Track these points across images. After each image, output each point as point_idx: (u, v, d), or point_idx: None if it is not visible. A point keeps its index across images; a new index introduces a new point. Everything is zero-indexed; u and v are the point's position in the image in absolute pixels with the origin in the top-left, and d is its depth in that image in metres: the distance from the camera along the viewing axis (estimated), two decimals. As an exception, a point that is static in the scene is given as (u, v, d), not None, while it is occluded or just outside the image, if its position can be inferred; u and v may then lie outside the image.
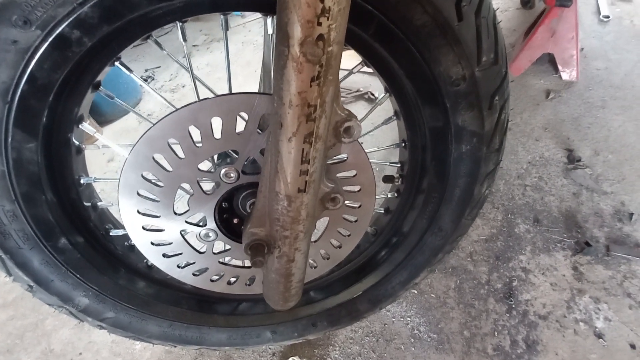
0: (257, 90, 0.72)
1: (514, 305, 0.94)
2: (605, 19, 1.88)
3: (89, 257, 0.61)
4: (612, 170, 1.18)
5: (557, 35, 1.49)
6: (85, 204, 0.60)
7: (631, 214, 1.06)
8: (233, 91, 0.51)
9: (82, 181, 0.58)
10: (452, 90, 0.50)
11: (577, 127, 1.35)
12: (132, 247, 0.70)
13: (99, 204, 0.63)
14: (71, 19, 0.38)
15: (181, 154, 0.49)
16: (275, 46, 0.36)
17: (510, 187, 1.19)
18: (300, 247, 0.51)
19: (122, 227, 0.67)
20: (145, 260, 0.71)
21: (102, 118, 1.92)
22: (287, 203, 0.45)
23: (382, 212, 0.76)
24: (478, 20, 0.45)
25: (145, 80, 2.33)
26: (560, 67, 1.56)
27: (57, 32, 0.39)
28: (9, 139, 0.44)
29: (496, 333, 0.90)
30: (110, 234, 0.65)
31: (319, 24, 0.32)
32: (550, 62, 1.60)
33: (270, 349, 0.92)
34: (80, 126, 0.53)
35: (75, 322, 1.04)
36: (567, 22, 1.46)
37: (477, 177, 0.61)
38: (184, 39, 0.49)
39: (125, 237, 0.68)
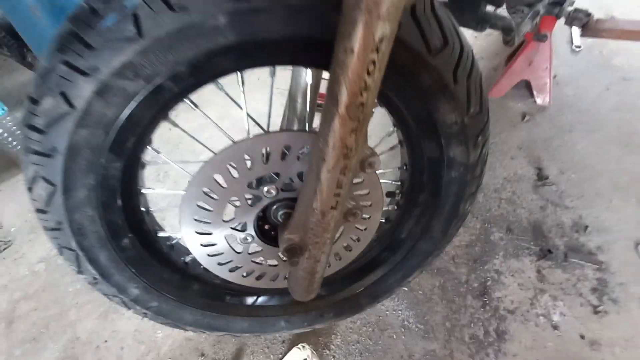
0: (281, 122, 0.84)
1: (487, 302, 1.11)
2: (577, 49, 2.10)
3: (142, 255, 0.72)
4: (574, 188, 1.38)
5: (533, 64, 1.69)
6: (142, 209, 0.71)
7: (586, 227, 1.25)
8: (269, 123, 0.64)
9: (142, 190, 0.69)
10: (447, 131, 0.65)
11: (547, 147, 1.54)
12: (172, 247, 0.82)
13: (150, 209, 0.75)
14: (169, 74, 0.50)
15: (235, 175, 0.61)
16: (325, 104, 0.49)
17: (488, 199, 1.37)
18: (325, 251, 0.64)
19: (164, 230, 0.79)
20: (182, 258, 0.83)
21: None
22: (321, 217, 0.58)
23: (383, 221, 0.91)
24: (468, 83, 0.60)
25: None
26: (535, 93, 1.75)
27: (157, 83, 0.50)
28: (102, 160, 0.56)
29: (472, 324, 1.07)
30: (158, 235, 0.76)
31: (361, 95, 0.46)
32: (527, 87, 1.79)
33: (281, 336, 1.05)
34: (149, 147, 0.64)
35: (99, 313, 1.14)
36: (543, 54, 1.66)
37: (462, 197, 0.76)
38: (243, 83, 0.61)
39: (169, 238, 0.80)
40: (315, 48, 0.52)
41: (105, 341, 1.08)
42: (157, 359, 1.03)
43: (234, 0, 0.44)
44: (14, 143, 1.74)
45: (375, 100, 0.51)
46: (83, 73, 0.46)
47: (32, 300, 1.21)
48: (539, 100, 1.75)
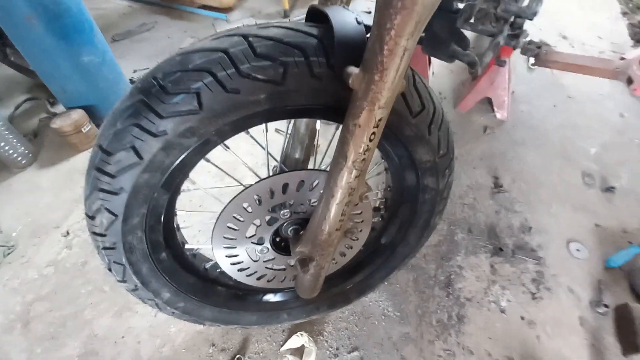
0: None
1: (451, 292, 1.35)
2: (533, 67, 2.38)
3: (173, 264, 0.87)
4: (522, 195, 1.64)
5: (495, 84, 1.93)
6: (175, 226, 0.85)
7: (530, 228, 1.52)
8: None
9: (177, 212, 0.83)
10: (422, 167, 0.84)
11: (503, 159, 1.80)
12: (195, 256, 0.96)
13: (181, 226, 0.89)
14: (216, 131, 0.65)
15: (261, 203, 0.77)
16: (334, 156, 0.66)
17: (453, 205, 1.61)
18: (329, 260, 0.82)
19: (188, 242, 0.93)
20: (203, 265, 0.98)
21: (100, 121, 2.02)
22: (328, 236, 0.76)
23: (369, 230, 1.10)
24: (439, 133, 0.79)
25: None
26: (495, 109, 2.01)
27: (206, 138, 0.65)
28: (155, 195, 0.70)
29: (438, 311, 1.30)
30: (185, 247, 0.91)
31: (364, 154, 0.63)
32: (489, 103, 2.04)
33: (281, 327, 1.23)
34: (188, 178, 0.78)
35: (113, 312, 1.27)
36: (502, 75, 1.90)
37: (433, 213, 0.97)
38: (266, 129, 0.76)
39: (191, 249, 0.94)
40: (327, 110, 0.69)
41: (122, 337, 1.21)
42: (173, 351, 1.18)
43: (274, 85, 0.60)
44: (6, 147, 1.76)
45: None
46: (153, 135, 0.60)
47: (45, 301, 1.30)
48: (498, 115, 2.01)
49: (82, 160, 1.87)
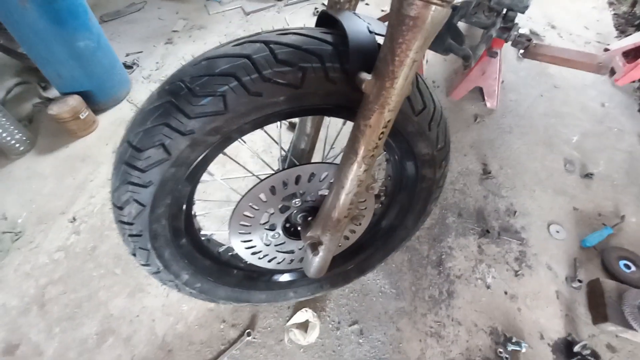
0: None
1: (442, 270, 1.47)
2: (522, 57, 2.45)
3: (191, 249, 0.94)
4: (509, 180, 1.75)
5: (486, 74, 2.00)
6: (193, 214, 0.92)
7: (515, 212, 1.64)
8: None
9: (195, 201, 0.89)
10: (422, 159, 0.92)
11: (492, 146, 1.90)
12: (209, 240, 1.03)
13: (197, 214, 0.95)
14: (238, 129, 0.71)
15: (275, 193, 0.84)
16: (345, 151, 0.73)
17: (445, 190, 1.71)
18: (335, 243, 0.91)
19: (203, 229, 1.00)
20: (217, 249, 1.05)
21: (96, 107, 2.01)
22: (337, 222, 0.84)
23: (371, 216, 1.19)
24: (438, 130, 0.86)
25: (130, 67, 2.38)
26: (485, 97, 2.09)
27: (228, 135, 0.71)
28: (180, 186, 0.76)
29: (430, 287, 1.42)
30: (201, 232, 0.97)
31: (373, 150, 0.70)
32: (479, 92, 2.12)
33: (287, 304, 1.32)
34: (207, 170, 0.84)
35: (127, 293, 1.34)
36: (494, 66, 1.97)
37: (429, 200, 1.05)
38: (280, 126, 0.82)
39: (206, 235, 1.01)
40: (339, 109, 0.75)
41: (137, 315, 1.29)
42: (186, 327, 1.26)
43: (293, 88, 0.65)
44: (3, 134, 1.75)
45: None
46: (182, 134, 0.65)
47: (59, 284, 1.36)
48: (488, 104, 2.09)
49: (80, 146, 1.88)
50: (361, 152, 0.69)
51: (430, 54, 2.35)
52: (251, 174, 0.93)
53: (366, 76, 0.62)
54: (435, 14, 0.51)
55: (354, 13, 0.72)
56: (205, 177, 0.86)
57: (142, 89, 2.22)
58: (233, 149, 0.97)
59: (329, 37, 0.67)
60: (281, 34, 0.66)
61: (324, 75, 0.66)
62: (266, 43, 0.64)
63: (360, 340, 1.26)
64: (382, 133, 0.67)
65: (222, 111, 0.64)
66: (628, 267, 1.44)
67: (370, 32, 0.65)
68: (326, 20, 0.75)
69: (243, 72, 0.63)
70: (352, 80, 0.66)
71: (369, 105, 0.64)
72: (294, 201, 0.88)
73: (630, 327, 1.21)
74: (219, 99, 0.64)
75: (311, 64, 0.64)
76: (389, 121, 0.66)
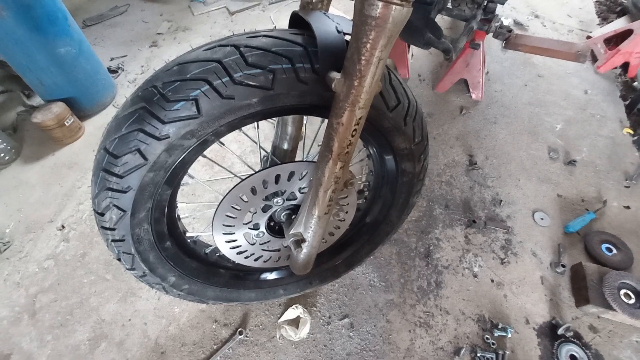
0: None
1: (430, 261, 1.49)
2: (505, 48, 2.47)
3: (176, 251, 0.95)
4: (494, 170, 1.78)
5: (469, 66, 2.02)
6: (176, 217, 0.93)
7: (500, 201, 1.67)
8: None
9: (178, 205, 0.90)
10: (400, 153, 0.94)
11: (477, 137, 1.92)
12: (195, 242, 1.04)
13: (182, 216, 0.96)
14: (213, 132, 0.71)
15: (256, 193, 0.85)
16: (321, 149, 0.74)
17: (432, 182, 1.73)
18: (319, 240, 0.92)
19: (188, 231, 1.01)
20: (203, 250, 1.06)
21: (81, 113, 1.99)
22: (318, 219, 0.85)
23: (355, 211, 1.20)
24: (414, 124, 0.88)
25: (115, 72, 2.36)
26: (470, 89, 2.11)
27: (204, 138, 0.72)
28: (159, 190, 0.76)
29: (419, 279, 1.45)
30: (186, 235, 0.98)
31: (347, 147, 0.72)
32: (464, 84, 2.14)
33: (278, 301, 1.34)
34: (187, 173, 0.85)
35: (118, 298, 1.34)
36: (477, 57, 1.99)
37: (411, 193, 1.07)
38: (258, 127, 0.83)
39: (192, 237, 1.02)
40: (315, 108, 0.76)
41: (129, 320, 1.30)
42: (179, 329, 1.28)
43: (265, 90, 0.66)
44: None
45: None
46: (157, 139, 0.66)
47: (49, 292, 1.37)
48: (473, 96, 2.11)
49: (67, 154, 1.88)
50: (336, 149, 0.71)
51: (415, 48, 2.36)
52: (233, 175, 0.94)
53: (336, 75, 0.63)
54: (396, 13, 0.52)
55: (324, 13, 0.73)
56: (186, 179, 0.87)
57: (128, 94, 2.20)
58: (221, 150, 0.98)
59: (299, 39, 0.68)
60: (251, 37, 0.67)
61: (294, 76, 0.67)
62: (236, 46, 0.65)
63: (351, 334, 1.29)
64: (355, 130, 0.69)
65: (196, 115, 0.65)
66: (610, 250, 1.48)
67: (339, 31, 0.66)
68: (298, 21, 0.75)
69: (214, 76, 0.64)
70: (323, 80, 0.67)
71: (340, 103, 0.65)
72: (275, 200, 0.90)
73: (611, 308, 1.24)
74: (192, 103, 0.64)
75: (281, 65, 0.65)
76: (360, 118, 0.67)
